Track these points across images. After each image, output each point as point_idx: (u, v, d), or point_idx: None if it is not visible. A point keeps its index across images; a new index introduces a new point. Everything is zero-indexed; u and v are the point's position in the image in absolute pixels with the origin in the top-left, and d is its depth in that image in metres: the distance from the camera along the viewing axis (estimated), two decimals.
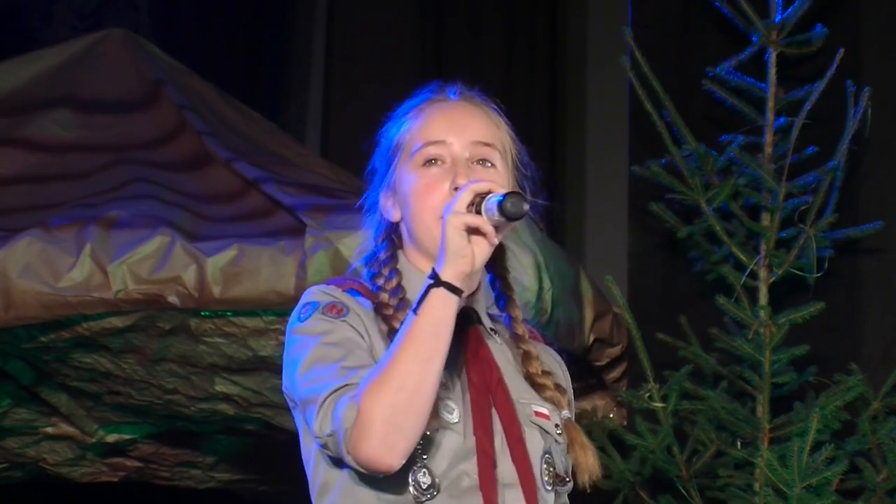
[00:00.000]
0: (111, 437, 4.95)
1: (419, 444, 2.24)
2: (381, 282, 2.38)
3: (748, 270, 4.35)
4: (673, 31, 4.75)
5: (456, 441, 2.28)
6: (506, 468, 2.31)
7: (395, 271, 2.39)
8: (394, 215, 2.45)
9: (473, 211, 2.24)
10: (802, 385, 4.33)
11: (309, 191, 4.32)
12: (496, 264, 2.46)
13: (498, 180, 2.36)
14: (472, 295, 2.38)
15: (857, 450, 4.24)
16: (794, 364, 4.30)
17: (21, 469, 5.07)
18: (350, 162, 5.04)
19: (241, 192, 4.37)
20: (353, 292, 2.38)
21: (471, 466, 2.28)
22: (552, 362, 2.50)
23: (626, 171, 4.62)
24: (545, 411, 2.38)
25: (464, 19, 6.12)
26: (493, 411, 2.32)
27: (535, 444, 2.34)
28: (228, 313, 4.14)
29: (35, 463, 5.00)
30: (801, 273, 4.34)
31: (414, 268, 2.39)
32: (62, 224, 4.07)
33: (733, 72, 4.42)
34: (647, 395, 4.30)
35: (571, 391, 2.51)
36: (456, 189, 2.32)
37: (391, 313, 2.34)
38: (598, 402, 4.86)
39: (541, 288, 4.22)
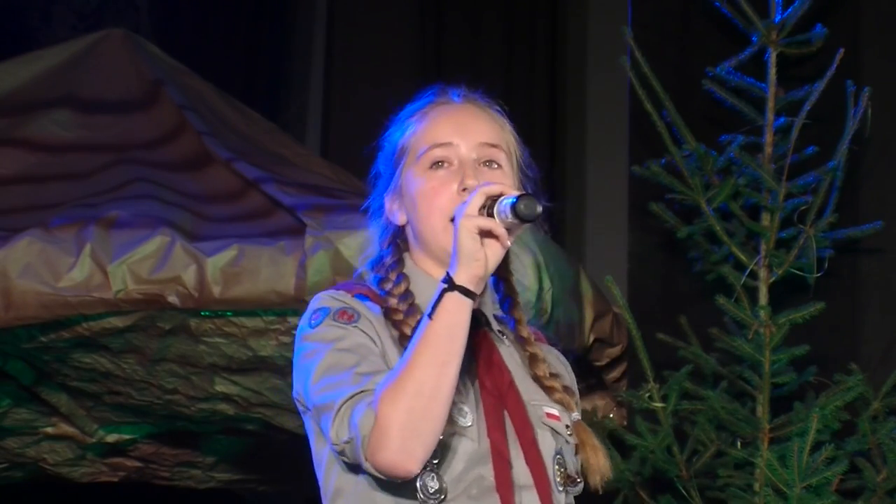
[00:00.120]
0: (111, 437, 4.95)
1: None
2: (388, 286, 2.37)
3: (748, 270, 4.35)
4: (673, 31, 4.75)
5: (470, 445, 2.28)
6: (520, 470, 2.31)
7: (403, 276, 2.39)
8: (400, 219, 2.44)
9: (485, 214, 2.24)
10: (802, 385, 4.33)
11: (309, 191, 4.32)
12: (500, 267, 2.46)
13: (505, 181, 2.37)
14: (480, 298, 2.39)
15: (857, 450, 4.24)
16: (794, 364, 4.30)
17: (21, 469, 5.07)
18: (350, 162, 5.04)
19: (241, 192, 4.37)
20: (363, 297, 2.37)
21: (487, 469, 2.28)
22: (558, 364, 2.50)
23: (626, 171, 4.62)
24: (556, 413, 2.38)
25: (464, 19, 6.12)
26: (506, 414, 2.32)
27: (547, 446, 2.35)
28: (228, 313, 4.13)
29: (35, 463, 5.00)
30: (801, 273, 4.34)
31: (421, 271, 2.39)
32: (62, 224, 4.07)
33: (733, 72, 4.42)
34: (647, 395, 4.30)
35: (575, 388, 2.51)
36: (464, 191, 2.32)
37: (401, 318, 2.33)
38: (598, 402, 4.86)
39: (541, 288, 4.22)
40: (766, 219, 4.39)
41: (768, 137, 4.42)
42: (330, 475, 2.33)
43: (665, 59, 4.59)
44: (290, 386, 4.55)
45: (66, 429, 4.86)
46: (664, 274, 4.67)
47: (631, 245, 4.75)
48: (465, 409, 2.30)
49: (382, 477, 2.22)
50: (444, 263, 2.28)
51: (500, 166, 2.39)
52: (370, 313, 2.34)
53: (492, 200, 2.24)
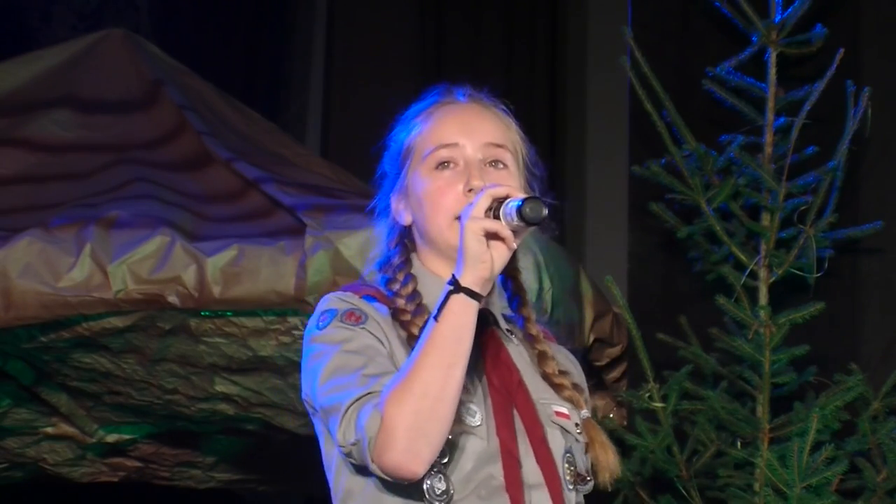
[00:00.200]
0: (111, 437, 4.95)
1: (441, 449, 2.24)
2: (396, 287, 2.37)
3: (748, 270, 4.35)
4: (673, 31, 4.75)
5: (479, 444, 2.29)
6: (530, 469, 2.31)
7: (410, 276, 2.39)
8: (406, 219, 2.44)
9: (492, 216, 2.24)
10: (802, 385, 4.33)
11: (309, 191, 4.32)
12: (509, 265, 2.46)
13: (510, 181, 2.37)
14: (488, 297, 2.39)
15: (857, 450, 4.24)
16: (794, 364, 4.30)
17: (21, 469, 5.07)
18: (350, 162, 5.04)
19: (241, 192, 4.37)
20: (370, 298, 2.37)
21: (496, 469, 2.29)
22: (567, 362, 2.50)
23: (626, 171, 4.62)
24: (565, 411, 2.39)
25: (464, 19, 6.12)
26: (515, 413, 2.33)
27: (556, 444, 2.35)
28: (228, 313, 4.13)
29: (35, 463, 5.00)
30: (801, 273, 4.34)
31: (429, 271, 2.39)
32: (62, 224, 4.07)
33: (733, 72, 4.42)
34: (647, 395, 4.30)
35: (586, 387, 2.51)
36: (470, 191, 2.33)
37: (409, 319, 2.34)
38: (598, 402, 4.86)
39: (541, 288, 4.22)
40: (766, 219, 4.39)
41: (768, 137, 4.42)
42: (340, 477, 2.34)
43: (665, 59, 4.59)
44: (291, 386, 4.58)
45: (66, 429, 4.86)
46: (664, 274, 4.67)
47: (631, 245, 4.75)
48: (474, 408, 2.30)
49: (388, 478, 2.23)
50: (451, 263, 2.28)
51: (505, 166, 2.39)
52: (378, 314, 2.34)
53: (498, 203, 2.24)
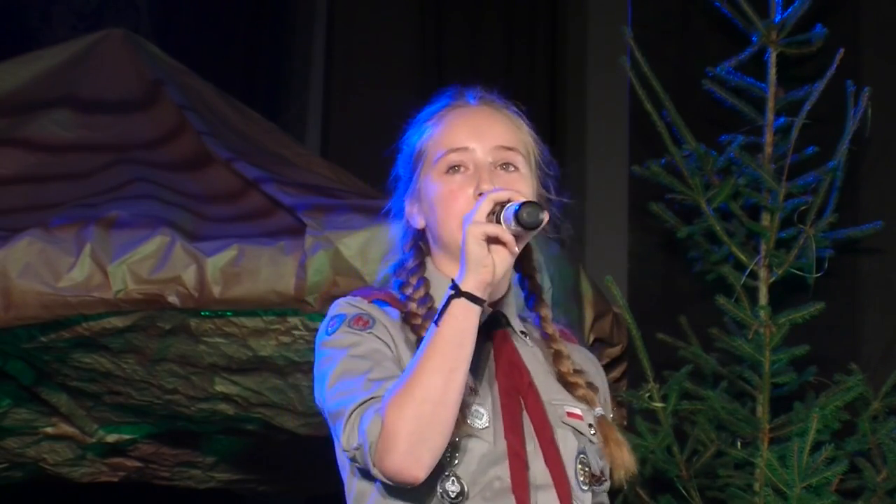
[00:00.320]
0: (111, 437, 4.95)
1: (446, 452, 2.25)
2: (409, 291, 2.38)
3: (748, 270, 4.35)
4: (673, 31, 4.75)
5: (485, 446, 2.29)
6: (539, 470, 2.32)
7: (423, 280, 2.40)
8: (419, 222, 2.44)
9: (494, 220, 2.24)
10: (802, 385, 4.34)
11: (309, 191, 4.32)
12: (524, 264, 2.47)
13: (521, 184, 2.37)
14: (502, 298, 2.40)
15: (857, 450, 4.24)
16: (794, 364, 4.30)
17: (21, 469, 5.07)
18: (350, 162, 5.04)
19: (241, 192, 4.37)
20: (381, 303, 2.38)
21: (503, 470, 2.29)
22: (584, 361, 2.50)
23: (626, 171, 4.62)
24: (578, 411, 2.39)
25: (464, 19, 6.12)
26: (525, 414, 2.33)
27: (568, 445, 2.35)
28: (228, 313, 4.13)
29: (35, 463, 5.00)
30: (801, 273, 4.34)
31: (442, 275, 2.39)
32: (62, 224, 4.07)
33: (733, 72, 4.42)
34: (647, 395, 4.30)
35: (608, 389, 2.50)
36: (480, 195, 2.32)
37: (419, 323, 2.34)
38: None
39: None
40: (766, 219, 4.39)
41: (768, 137, 4.42)
42: (352, 480, 2.35)
43: (665, 59, 4.59)
44: (291, 386, 4.58)
45: (66, 429, 4.86)
46: (664, 274, 4.67)
47: (631, 245, 4.75)
48: (481, 410, 2.31)
49: (390, 483, 2.23)
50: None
51: (516, 169, 2.40)
52: (387, 318, 2.35)
53: (500, 206, 2.25)
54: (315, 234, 4.01)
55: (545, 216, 2.24)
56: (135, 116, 4.70)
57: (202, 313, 4.13)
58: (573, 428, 2.36)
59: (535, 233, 2.26)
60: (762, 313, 4.28)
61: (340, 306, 2.38)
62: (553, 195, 2.46)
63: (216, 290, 3.99)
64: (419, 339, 2.31)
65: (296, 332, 4.16)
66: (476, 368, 2.33)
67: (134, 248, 3.99)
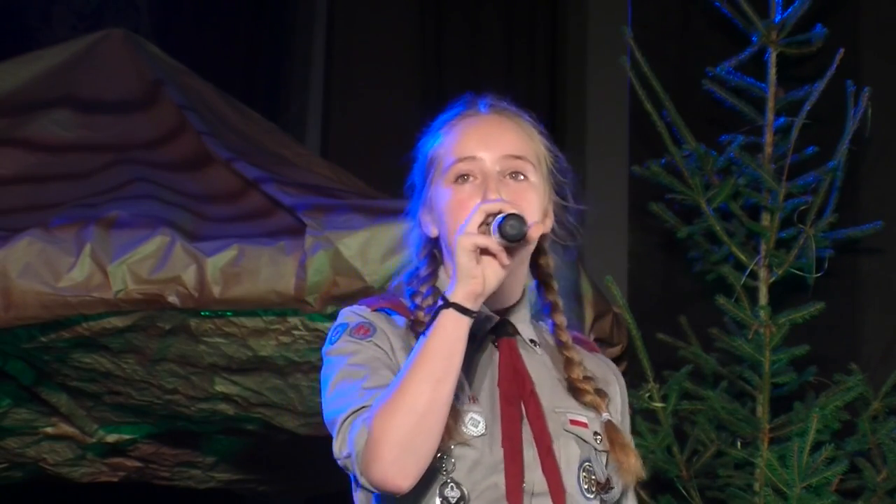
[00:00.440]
0: (111, 437, 4.95)
1: (441, 459, 2.26)
2: (419, 300, 2.38)
3: (748, 270, 4.35)
4: (673, 31, 4.75)
5: (480, 454, 2.30)
6: (538, 478, 2.31)
7: (433, 289, 2.40)
8: (432, 231, 2.44)
9: (485, 231, 2.24)
10: (802, 385, 4.34)
11: (309, 191, 4.32)
12: (540, 271, 2.47)
13: (530, 193, 2.37)
14: (513, 306, 2.40)
15: (857, 450, 4.24)
16: (794, 364, 4.31)
17: (21, 469, 5.07)
18: (350, 162, 5.04)
19: (241, 192, 4.37)
20: (389, 311, 2.39)
21: (500, 478, 2.29)
22: (598, 367, 2.49)
23: (626, 171, 4.63)
24: (583, 419, 2.38)
25: (464, 19, 6.12)
26: (526, 422, 2.33)
27: (570, 454, 2.35)
28: (228, 313, 4.13)
29: (35, 463, 5.00)
30: (801, 273, 4.34)
31: None
32: (62, 224, 4.07)
33: (733, 72, 4.42)
34: (647, 395, 4.30)
35: (623, 396, 2.49)
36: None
37: (423, 331, 2.34)
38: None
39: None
40: (766, 219, 4.40)
41: (768, 137, 4.43)
42: (356, 487, 2.36)
43: (665, 59, 4.59)
44: (291, 386, 4.58)
45: (66, 429, 4.86)
46: (664, 274, 4.67)
47: (631, 245, 4.75)
48: (478, 417, 2.31)
49: (377, 492, 2.25)
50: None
51: (526, 178, 2.39)
52: (390, 326, 2.36)
53: (492, 218, 2.24)
54: (315, 234, 4.01)
55: (529, 228, 2.22)
56: (135, 116, 4.70)
57: (202, 313, 4.12)
58: (576, 436, 2.36)
59: (521, 245, 2.25)
60: (762, 313, 4.28)
61: (345, 315, 2.39)
62: (570, 203, 2.46)
63: (216, 290, 3.99)
64: None
65: (296, 332, 4.16)
66: (480, 376, 2.34)
67: (134, 248, 3.99)
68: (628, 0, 4.73)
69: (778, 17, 4.42)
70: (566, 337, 2.46)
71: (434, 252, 2.45)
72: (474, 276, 2.21)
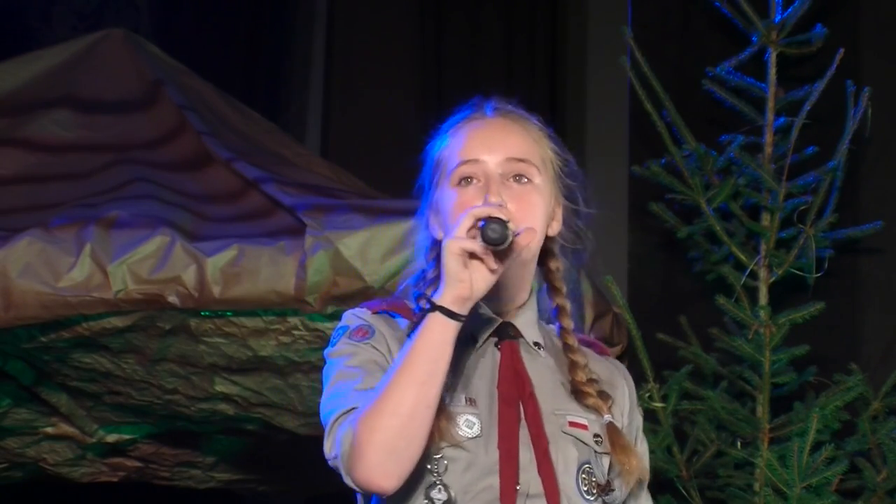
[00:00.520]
0: (111, 437, 4.95)
1: (432, 460, 2.27)
2: (422, 303, 2.38)
3: (748, 270, 4.35)
4: (673, 31, 4.75)
5: (475, 456, 2.30)
6: (534, 480, 2.32)
7: None
8: (438, 233, 2.44)
9: (475, 235, 2.23)
10: (802, 385, 4.34)
11: (309, 191, 4.32)
12: (549, 275, 2.47)
13: (534, 196, 2.38)
14: (519, 309, 2.41)
15: (857, 450, 4.24)
16: (794, 364, 4.31)
17: (21, 469, 5.07)
18: (350, 162, 5.04)
19: (241, 192, 4.37)
20: (392, 313, 2.40)
21: (495, 480, 2.30)
22: (605, 370, 2.49)
23: (626, 171, 4.63)
24: (583, 422, 2.38)
25: (464, 19, 6.12)
26: (525, 424, 2.33)
27: (568, 456, 2.35)
28: (228, 313, 4.13)
29: (35, 463, 5.00)
30: (801, 273, 4.34)
31: None
32: (62, 224, 4.07)
33: (733, 72, 4.42)
34: (647, 395, 4.30)
35: (631, 398, 2.49)
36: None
37: (410, 333, 2.34)
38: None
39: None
40: (766, 219, 4.40)
41: (768, 137, 4.43)
42: None
43: (665, 59, 4.59)
44: (291, 386, 4.58)
45: (66, 429, 4.86)
46: (664, 274, 4.67)
47: (631, 245, 4.75)
48: (473, 420, 2.31)
49: (362, 492, 2.26)
50: None
51: (529, 180, 2.39)
52: (391, 329, 2.38)
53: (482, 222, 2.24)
54: (315, 234, 4.01)
55: (511, 233, 2.21)
56: (135, 116, 4.70)
57: (202, 313, 4.12)
58: (575, 438, 2.36)
59: (510, 250, 2.23)
60: (762, 313, 4.28)
61: (347, 318, 2.41)
62: (581, 207, 2.46)
63: (216, 290, 3.99)
64: None
65: (296, 332, 4.16)
66: (480, 378, 2.34)
67: (134, 248, 3.99)
68: (628, 0, 4.73)
69: (778, 17, 4.42)
70: (572, 340, 2.46)
71: (441, 254, 2.45)
72: (461, 280, 2.21)
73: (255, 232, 4.12)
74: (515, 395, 2.34)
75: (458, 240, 2.22)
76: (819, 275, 4.32)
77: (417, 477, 2.27)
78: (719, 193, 4.35)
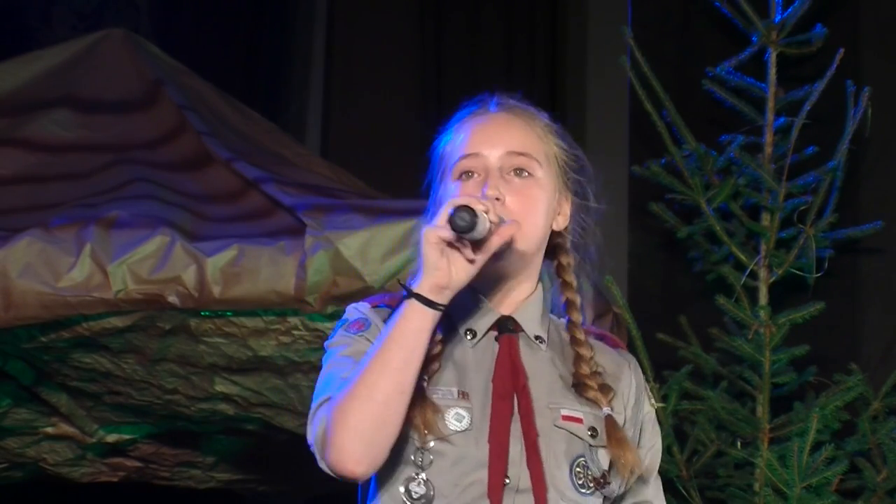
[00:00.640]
0: (111, 437, 4.95)
1: (418, 454, 2.27)
2: (400, 291, 2.39)
3: (748, 270, 4.35)
4: (673, 31, 4.76)
5: (463, 450, 2.30)
6: (525, 475, 2.32)
7: None
8: None
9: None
10: (802, 385, 4.34)
11: (309, 191, 4.32)
12: (559, 270, 2.47)
13: (535, 189, 2.38)
14: (522, 302, 2.40)
15: (857, 450, 4.24)
16: (794, 364, 4.31)
17: (21, 469, 5.07)
18: (350, 162, 5.04)
19: (241, 192, 4.37)
20: (389, 307, 2.40)
21: (485, 474, 2.30)
22: (612, 362, 2.48)
23: (626, 171, 4.62)
24: (578, 415, 2.38)
25: (464, 19, 6.12)
26: (518, 418, 2.33)
27: (558, 449, 2.34)
28: (228, 313, 4.13)
29: (35, 463, 5.00)
30: (801, 273, 4.35)
31: None
32: (62, 224, 4.07)
33: (733, 72, 4.42)
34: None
35: (637, 389, 2.48)
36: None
37: (387, 320, 2.35)
38: None
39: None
40: (766, 219, 4.40)
41: (768, 137, 4.43)
42: None
43: (665, 59, 4.60)
44: (291, 386, 4.58)
45: (66, 429, 4.86)
46: (664, 274, 4.67)
47: (631, 245, 4.75)
48: (464, 413, 2.31)
49: (335, 476, 2.26)
50: (478, 274, 2.29)
51: (531, 175, 2.39)
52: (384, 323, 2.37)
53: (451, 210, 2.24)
54: (315, 234, 4.01)
55: (479, 222, 2.21)
56: (135, 116, 4.70)
57: (202, 313, 4.13)
58: (567, 432, 2.36)
59: (486, 241, 2.22)
60: (762, 313, 4.28)
61: (348, 311, 2.42)
62: (591, 202, 2.46)
63: (216, 290, 3.99)
64: None
65: (296, 332, 4.16)
66: (476, 372, 2.34)
67: (134, 248, 3.99)
68: (628, 0, 4.73)
69: (778, 17, 4.42)
70: (579, 333, 2.45)
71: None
72: (438, 268, 2.22)
73: (255, 232, 4.12)
74: (510, 388, 2.34)
75: (435, 228, 2.23)
76: (819, 275, 4.32)
77: (400, 466, 2.29)
78: (719, 193, 4.35)
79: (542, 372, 2.39)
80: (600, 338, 2.50)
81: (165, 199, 4.27)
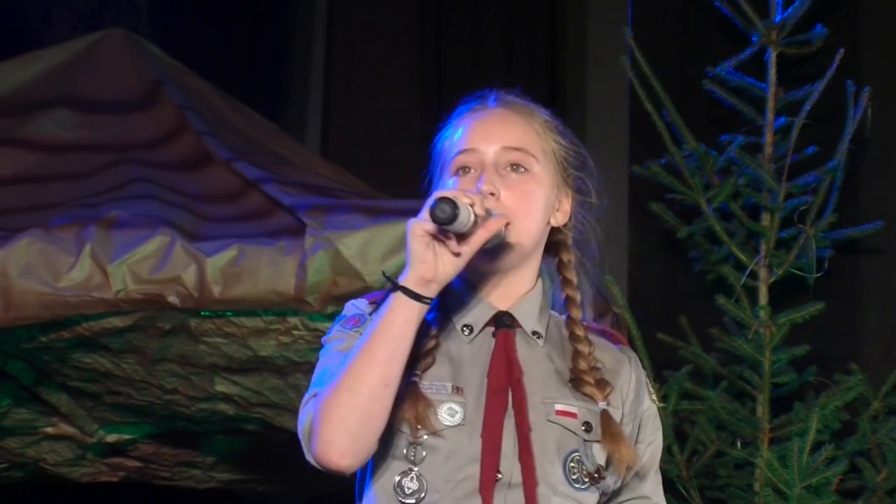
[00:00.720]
0: (111, 437, 4.95)
1: (412, 448, 2.28)
2: (387, 284, 2.39)
3: (748, 270, 4.35)
4: (673, 31, 4.76)
5: (455, 445, 2.30)
6: (517, 469, 2.32)
7: None
8: None
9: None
10: (802, 385, 4.34)
11: (309, 191, 4.32)
12: (560, 266, 2.47)
13: (531, 184, 2.38)
14: (521, 297, 2.40)
15: (857, 450, 4.24)
16: (794, 364, 4.31)
17: (21, 469, 5.07)
18: (350, 162, 5.04)
19: (241, 192, 4.37)
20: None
21: (477, 469, 2.29)
22: (611, 358, 2.47)
23: (626, 170, 4.62)
24: (572, 410, 2.37)
25: (464, 19, 6.12)
26: (511, 413, 2.33)
27: (550, 444, 2.34)
28: (228, 313, 4.13)
29: (35, 463, 5.00)
30: (801, 273, 4.35)
31: (459, 277, 2.37)
32: (62, 224, 4.07)
33: (733, 72, 4.42)
34: None
35: (637, 384, 2.47)
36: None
37: (373, 313, 2.36)
38: None
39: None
40: (766, 219, 4.40)
41: (768, 137, 4.43)
42: None
43: (665, 59, 4.60)
44: (291, 386, 4.58)
45: (66, 429, 4.86)
46: (664, 274, 4.67)
47: (631, 245, 4.75)
48: (457, 408, 2.31)
49: (320, 469, 2.27)
50: (474, 270, 2.30)
51: (527, 170, 2.39)
52: None
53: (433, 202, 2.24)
54: (315, 234, 4.01)
55: (458, 213, 2.20)
56: (135, 116, 4.70)
57: (202, 313, 4.13)
58: (561, 426, 2.35)
59: (464, 232, 2.22)
60: (762, 313, 4.28)
61: (346, 308, 2.43)
62: (592, 199, 2.46)
63: (216, 290, 3.99)
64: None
65: (296, 332, 4.16)
66: (472, 367, 2.34)
67: (134, 248, 3.99)
68: (628, 0, 4.73)
69: (778, 17, 4.42)
70: (578, 329, 2.45)
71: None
72: (424, 261, 2.22)
73: (255, 232, 4.12)
74: (505, 383, 2.34)
75: (420, 221, 2.23)
76: (819, 275, 4.32)
77: (393, 463, 2.29)
78: (719, 193, 4.35)
79: (538, 367, 2.39)
80: (602, 333, 2.50)
81: (165, 199, 4.27)
